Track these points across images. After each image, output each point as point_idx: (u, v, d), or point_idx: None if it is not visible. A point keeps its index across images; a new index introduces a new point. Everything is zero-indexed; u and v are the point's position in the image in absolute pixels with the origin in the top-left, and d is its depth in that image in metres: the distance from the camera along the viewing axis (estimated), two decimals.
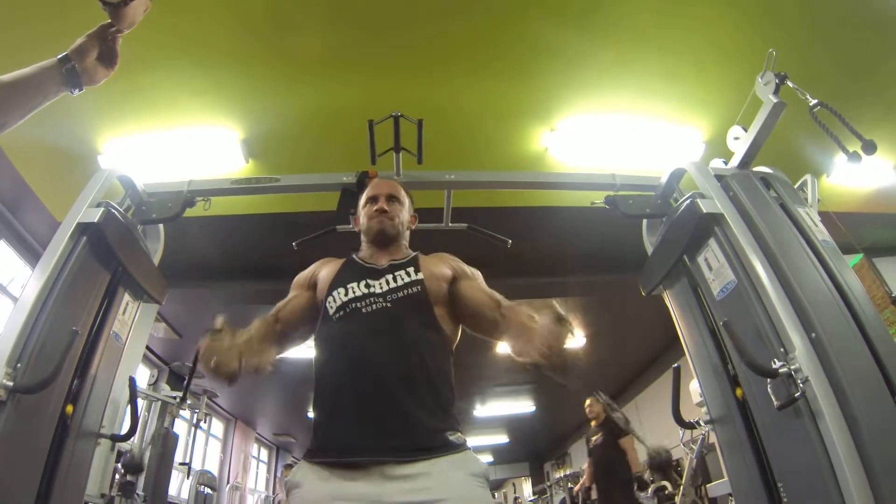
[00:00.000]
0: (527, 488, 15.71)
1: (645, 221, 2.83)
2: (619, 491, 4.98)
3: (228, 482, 9.42)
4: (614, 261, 4.08)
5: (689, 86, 3.15)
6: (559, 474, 11.77)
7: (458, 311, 1.55)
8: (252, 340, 1.39)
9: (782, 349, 1.81)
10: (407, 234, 1.75)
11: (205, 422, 8.69)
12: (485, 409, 9.45)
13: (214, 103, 3.22)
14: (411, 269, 1.52)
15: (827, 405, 1.64)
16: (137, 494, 4.67)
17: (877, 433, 1.57)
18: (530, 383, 8.28)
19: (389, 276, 1.50)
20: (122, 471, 3.89)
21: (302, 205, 3.71)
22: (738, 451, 2.04)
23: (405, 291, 1.46)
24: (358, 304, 1.43)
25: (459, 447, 1.29)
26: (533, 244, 4.08)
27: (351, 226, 2.74)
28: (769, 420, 1.86)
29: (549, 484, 10.68)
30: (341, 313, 1.44)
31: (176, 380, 7.56)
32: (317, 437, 1.35)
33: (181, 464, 5.58)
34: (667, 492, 4.41)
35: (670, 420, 2.44)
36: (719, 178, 2.38)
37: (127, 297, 2.57)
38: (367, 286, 1.47)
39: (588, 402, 5.36)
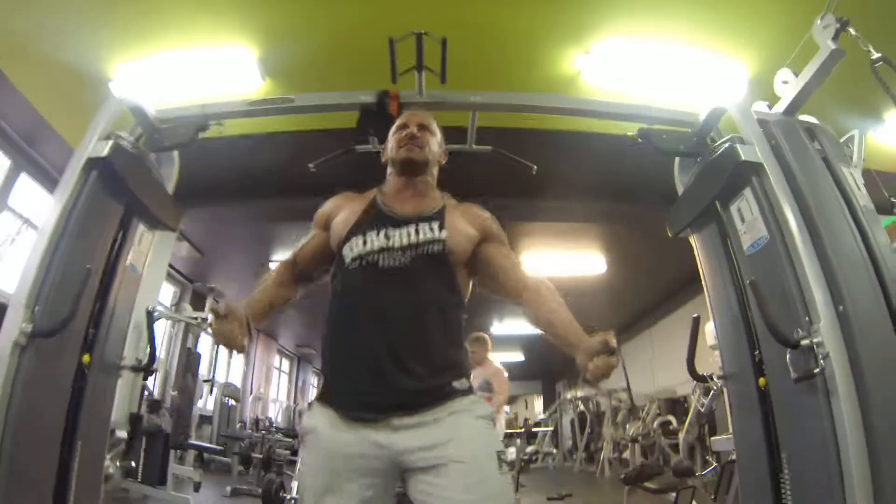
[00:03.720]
0: (538, 404, 16.42)
1: (677, 160, 2.64)
2: None
3: (251, 393, 9.96)
4: (642, 192, 3.92)
5: (740, 16, 2.86)
6: (570, 394, 12.20)
7: (479, 272, 1.51)
8: (261, 297, 1.52)
9: (807, 318, 1.72)
10: (435, 170, 1.65)
11: None
12: (502, 326, 9.61)
13: (228, 21, 3.04)
14: (435, 225, 1.43)
15: (843, 386, 1.58)
16: (165, 408, 4.96)
17: (889, 422, 1.54)
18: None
19: (411, 229, 1.41)
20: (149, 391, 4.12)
21: (321, 123, 3.56)
22: (746, 413, 2.02)
23: (425, 249, 1.39)
24: (375, 258, 1.38)
25: (464, 392, 1.32)
26: (559, 167, 3.92)
27: (371, 146, 2.66)
28: (783, 388, 1.81)
29: (559, 403, 11.06)
30: (357, 264, 1.40)
31: (198, 297, 7.83)
32: (328, 384, 1.39)
33: (205, 380, 5.86)
34: (671, 427, 4.53)
35: (683, 355, 2.37)
36: (762, 123, 2.17)
37: (141, 228, 2.56)
38: (387, 237, 1.40)
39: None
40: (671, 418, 4.69)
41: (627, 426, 6.27)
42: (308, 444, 1.32)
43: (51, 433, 1.97)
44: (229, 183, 4.60)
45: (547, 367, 13.68)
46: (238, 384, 9.01)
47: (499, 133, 3.02)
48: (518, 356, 12.11)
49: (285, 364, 13.50)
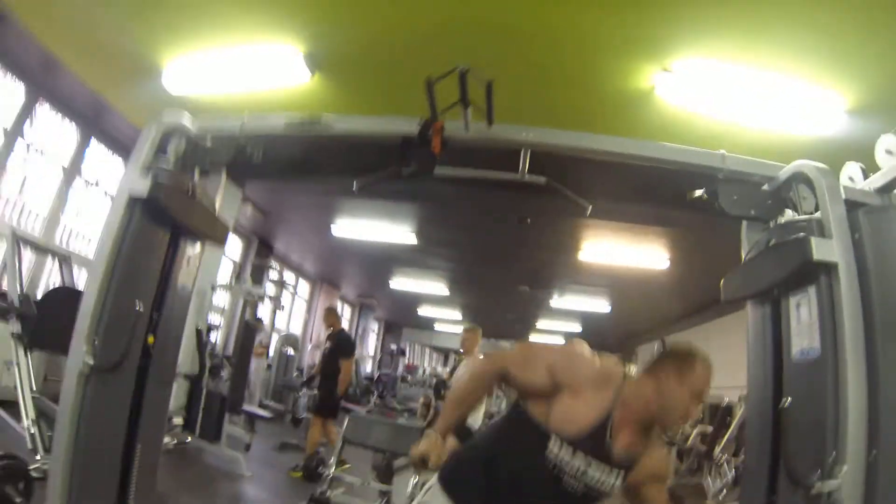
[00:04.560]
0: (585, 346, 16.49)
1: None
2: None
3: (312, 341, 10.48)
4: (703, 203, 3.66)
5: (843, 42, 2.45)
6: (627, 368, 11.96)
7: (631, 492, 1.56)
8: (462, 412, 1.63)
9: (834, 455, 1.58)
10: None
11: (292, 287, 9.52)
12: (562, 300, 9.51)
13: (275, 18, 3.01)
14: (622, 476, 1.47)
15: None
16: (222, 374, 5.35)
17: None
18: (608, 286, 8.14)
19: (607, 471, 1.45)
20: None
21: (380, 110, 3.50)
22: None
23: (601, 489, 1.46)
24: (566, 471, 1.44)
25: None
26: (620, 177, 3.71)
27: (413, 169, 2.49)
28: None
29: None
30: (551, 460, 1.44)
31: (264, 250, 8.24)
32: (465, 483, 1.55)
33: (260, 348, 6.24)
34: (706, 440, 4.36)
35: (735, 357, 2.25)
36: (850, 204, 1.89)
37: (188, 251, 2.65)
38: (588, 464, 1.44)
39: None
40: (708, 429, 4.53)
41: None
42: None
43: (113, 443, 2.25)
44: (295, 156, 4.71)
45: (604, 339, 13.52)
46: (299, 332, 9.54)
47: (554, 160, 2.83)
48: (576, 327, 12.10)
49: (347, 311, 14.08)
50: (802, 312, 1.88)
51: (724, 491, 3.41)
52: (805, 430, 1.73)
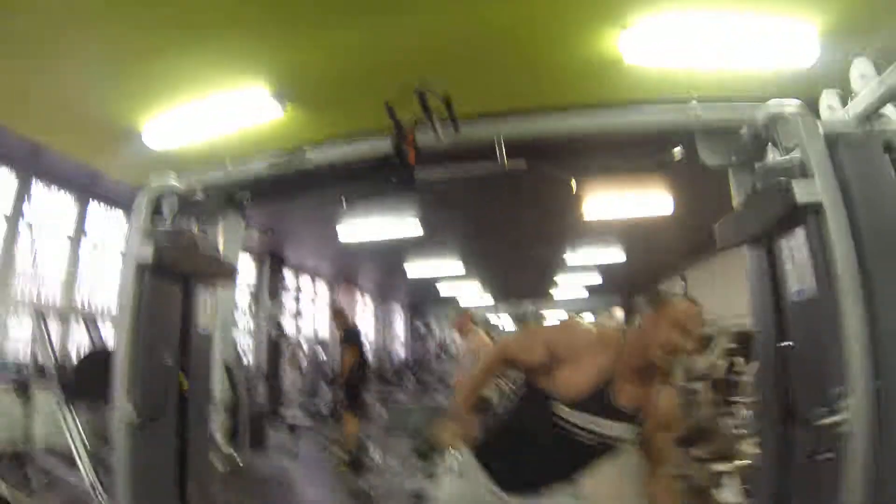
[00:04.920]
0: (619, 314, 16.60)
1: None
2: None
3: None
4: None
5: None
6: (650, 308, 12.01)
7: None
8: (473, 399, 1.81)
9: (838, 389, 1.63)
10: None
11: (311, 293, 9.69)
12: (576, 256, 9.53)
13: (238, 66, 3.02)
14: (632, 427, 1.59)
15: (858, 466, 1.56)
16: (260, 392, 5.55)
17: None
18: (620, 237, 8.16)
19: (612, 425, 1.58)
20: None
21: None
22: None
23: (613, 442, 1.61)
24: (573, 430, 1.58)
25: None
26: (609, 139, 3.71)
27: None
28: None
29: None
30: (557, 422, 1.58)
31: (277, 263, 8.42)
32: (488, 452, 1.71)
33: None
34: (736, 369, 4.41)
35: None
36: (829, 138, 1.88)
37: (203, 296, 2.79)
38: (594, 422, 1.57)
39: None
40: (737, 361, 4.57)
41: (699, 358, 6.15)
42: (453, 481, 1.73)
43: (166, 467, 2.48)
44: (285, 183, 4.78)
45: (625, 283, 13.58)
46: (325, 332, 9.76)
47: (534, 144, 2.84)
48: (596, 278, 12.18)
49: (369, 301, 14.29)
50: (796, 254, 1.91)
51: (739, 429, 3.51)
52: (810, 366, 1.79)
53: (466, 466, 1.71)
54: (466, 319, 4.57)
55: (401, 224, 6.65)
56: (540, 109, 3.34)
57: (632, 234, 7.74)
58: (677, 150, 2.33)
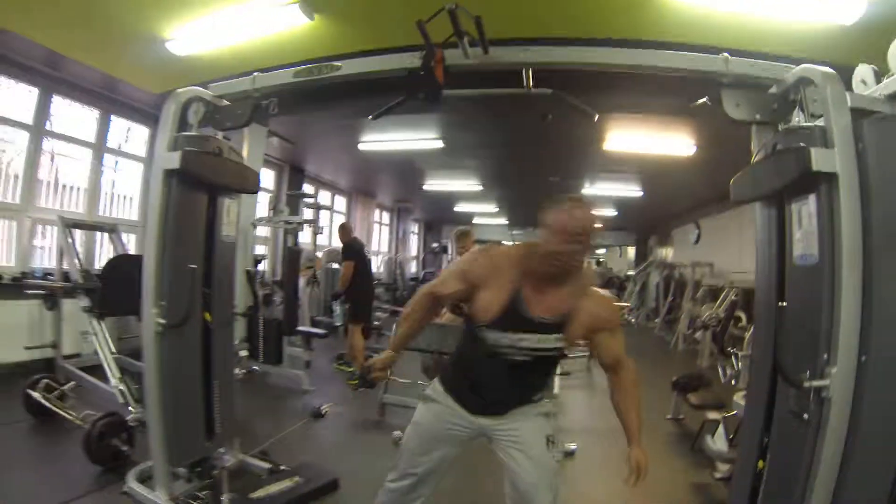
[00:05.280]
0: (631, 253, 16.64)
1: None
2: None
3: None
4: None
5: None
6: (662, 251, 12.06)
7: (590, 341, 1.85)
8: (408, 333, 1.99)
9: (826, 356, 1.72)
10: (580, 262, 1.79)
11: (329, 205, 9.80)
12: (593, 188, 9.50)
13: None
14: (559, 336, 1.75)
15: (833, 433, 1.67)
16: (274, 300, 5.80)
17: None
18: (639, 173, 8.08)
19: (539, 336, 1.75)
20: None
21: (391, 41, 3.44)
22: (753, 403, 2.16)
23: (545, 353, 1.78)
24: (504, 350, 1.77)
25: (537, 400, 1.91)
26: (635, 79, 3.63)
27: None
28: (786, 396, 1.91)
29: (648, 264, 11.06)
30: (489, 347, 1.78)
31: (296, 175, 8.44)
32: (451, 381, 1.93)
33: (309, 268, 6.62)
34: (741, 324, 4.53)
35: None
36: (855, 113, 1.84)
37: (227, 202, 2.87)
38: (520, 339, 1.75)
39: None
40: (741, 315, 4.67)
41: (703, 307, 6.25)
42: (429, 406, 1.93)
43: (193, 369, 2.68)
44: (310, 94, 4.76)
45: (640, 222, 13.53)
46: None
47: (561, 73, 2.81)
48: (611, 211, 12.09)
49: (385, 217, 14.43)
50: (804, 219, 1.93)
51: (734, 381, 3.66)
52: (801, 331, 1.85)
53: (438, 394, 1.92)
54: (468, 239, 4.63)
55: (421, 139, 6.69)
56: (570, 39, 3.28)
57: (651, 172, 7.67)
58: (703, 99, 2.28)
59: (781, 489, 1.89)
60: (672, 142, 5.75)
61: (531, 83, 2.75)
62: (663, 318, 9.68)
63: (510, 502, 1.86)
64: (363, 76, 2.75)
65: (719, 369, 3.85)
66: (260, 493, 2.77)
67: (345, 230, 5.67)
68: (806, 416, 1.75)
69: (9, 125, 4.99)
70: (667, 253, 12.67)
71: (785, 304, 1.92)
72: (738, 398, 2.71)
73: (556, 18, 3.15)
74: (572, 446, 3.69)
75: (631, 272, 13.49)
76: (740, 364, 3.48)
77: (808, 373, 1.74)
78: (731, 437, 2.82)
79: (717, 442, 2.99)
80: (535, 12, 3.10)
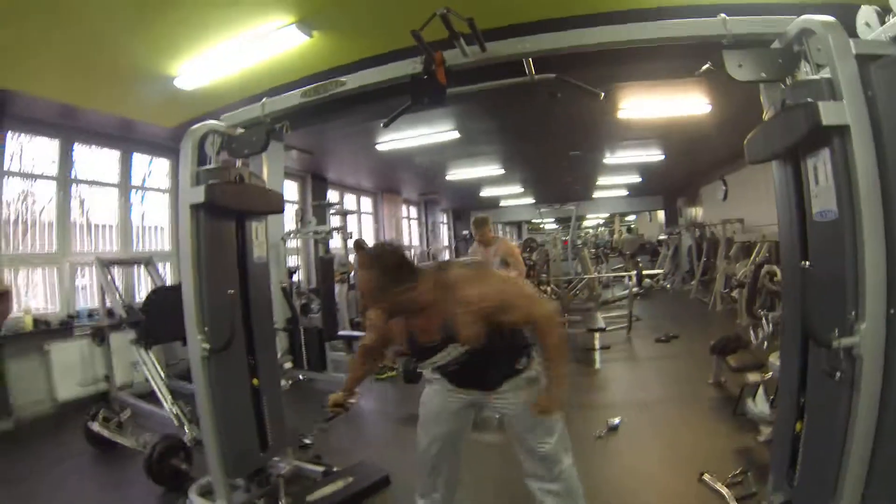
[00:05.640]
0: (661, 217, 16.33)
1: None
2: None
3: None
4: None
5: None
6: (691, 210, 11.80)
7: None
8: (354, 378, 2.33)
9: (854, 314, 1.69)
10: (400, 289, 1.88)
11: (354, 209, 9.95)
12: (615, 157, 9.38)
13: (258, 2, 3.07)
14: (455, 344, 1.91)
15: (868, 388, 1.65)
16: (312, 308, 5.94)
17: None
18: (658, 137, 7.94)
19: (442, 353, 1.95)
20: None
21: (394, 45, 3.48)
22: (788, 366, 2.15)
23: (463, 357, 1.95)
24: (440, 366, 2.03)
25: (521, 370, 2.06)
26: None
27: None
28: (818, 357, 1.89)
29: (678, 227, 10.87)
30: (437, 370, 2.09)
31: (319, 183, 8.59)
32: (447, 374, 2.12)
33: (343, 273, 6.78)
34: (776, 278, 4.40)
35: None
36: (861, 60, 1.80)
37: (255, 225, 2.98)
38: (437, 359, 1.98)
39: None
40: (776, 269, 4.55)
41: (738, 265, 6.10)
42: (430, 389, 2.22)
43: (241, 386, 2.82)
44: (321, 108, 4.88)
45: (666, 185, 13.26)
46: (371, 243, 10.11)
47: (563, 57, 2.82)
48: (635, 178, 11.92)
49: (413, 211, 14.56)
50: (820, 174, 1.90)
51: (766, 343, 3.60)
52: (828, 288, 1.82)
53: (437, 379, 2.18)
54: (486, 226, 4.65)
55: (437, 132, 6.77)
56: (566, 19, 3.24)
57: (670, 134, 7.53)
58: (706, 65, 2.26)
59: (820, 450, 1.89)
60: (686, 102, 5.65)
61: (533, 70, 2.76)
62: (699, 280, 9.52)
63: (521, 455, 2.12)
64: (370, 86, 2.82)
65: (751, 331, 3.78)
66: (315, 495, 2.90)
67: (358, 248, 5.76)
68: (838, 375, 1.73)
69: (36, 178, 5.28)
70: (696, 212, 12.45)
71: (808, 262, 1.90)
72: (774, 359, 2.68)
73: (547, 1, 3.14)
74: (616, 420, 3.71)
75: (662, 237, 13.29)
76: (770, 325, 3.41)
77: (836, 331, 1.72)
78: (771, 398, 2.79)
79: (759, 404, 2.96)
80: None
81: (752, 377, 3.09)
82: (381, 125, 3.01)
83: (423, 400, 2.25)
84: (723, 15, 2.18)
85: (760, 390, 2.97)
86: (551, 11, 3.23)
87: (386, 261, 1.83)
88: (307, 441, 3.68)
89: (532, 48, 2.48)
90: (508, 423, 2.13)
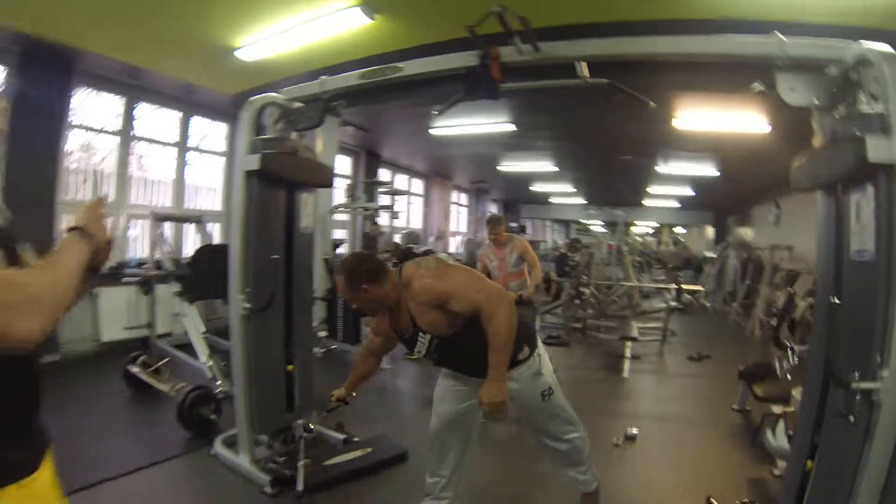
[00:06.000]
0: (710, 233, 15.85)
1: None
2: None
3: (433, 234, 11.22)
4: None
5: None
6: (741, 231, 11.36)
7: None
8: (354, 378, 2.54)
9: (879, 358, 1.66)
10: (382, 293, 2.12)
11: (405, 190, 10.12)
12: (668, 167, 9.18)
13: None
14: (422, 334, 2.13)
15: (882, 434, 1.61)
16: None
17: None
18: (713, 151, 7.73)
19: (419, 342, 2.16)
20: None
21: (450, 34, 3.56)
22: (810, 397, 2.09)
23: (434, 343, 2.15)
24: (426, 356, 2.21)
25: (522, 360, 2.23)
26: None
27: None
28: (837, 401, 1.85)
29: (725, 245, 10.55)
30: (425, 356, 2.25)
31: (372, 160, 8.75)
32: (436, 362, 2.32)
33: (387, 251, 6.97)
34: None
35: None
36: None
37: (304, 196, 3.13)
38: (419, 351, 2.19)
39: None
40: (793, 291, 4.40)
41: (779, 293, 5.87)
42: (438, 383, 2.42)
43: (275, 348, 3.00)
44: (378, 89, 5.02)
45: (718, 201, 12.84)
46: (419, 226, 10.21)
47: (616, 64, 2.83)
48: (687, 191, 11.60)
49: (463, 199, 14.65)
50: (862, 211, 1.85)
51: (789, 375, 3.50)
52: (855, 329, 1.79)
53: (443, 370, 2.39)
54: (500, 225, 4.67)
55: (493, 122, 6.77)
56: (620, 24, 3.24)
57: (726, 150, 7.33)
58: (756, 84, 2.22)
59: (827, 493, 1.86)
60: (743, 119, 5.49)
61: (587, 74, 2.78)
62: (740, 303, 9.23)
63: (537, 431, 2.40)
64: (426, 75, 2.90)
65: (776, 362, 3.68)
66: (334, 460, 3.05)
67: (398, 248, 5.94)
68: (851, 418, 1.71)
69: (99, 132, 5.65)
70: (745, 233, 12.02)
71: (838, 300, 1.86)
72: (797, 393, 2.63)
73: (601, 2, 3.15)
74: (634, 431, 3.72)
75: (709, 253, 12.92)
76: (795, 358, 3.32)
77: (857, 373, 1.69)
78: (790, 432, 2.74)
79: (778, 437, 2.90)
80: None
81: (776, 409, 3.03)
82: (435, 113, 3.10)
83: (439, 380, 2.44)
84: (778, 34, 2.12)
85: (781, 423, 2.90)
86: (604, 15, 3.23)
87: (357, 268, 2.08)
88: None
89: (586, 52, 2.50)
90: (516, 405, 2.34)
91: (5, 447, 0.98)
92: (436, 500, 2.38)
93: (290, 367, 3.06)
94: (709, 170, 8.81)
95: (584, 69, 2.69)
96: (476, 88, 2.66)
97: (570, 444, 2.41)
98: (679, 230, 21.85)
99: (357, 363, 2.56)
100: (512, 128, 6.88)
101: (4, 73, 4.55)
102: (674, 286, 7.51)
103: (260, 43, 3.88)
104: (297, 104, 2.97)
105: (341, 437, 3.37)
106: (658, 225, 21.78)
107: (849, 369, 1.73)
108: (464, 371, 2.29)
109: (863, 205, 1.87)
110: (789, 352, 3.42)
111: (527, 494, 2.95)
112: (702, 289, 9.43)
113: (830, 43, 2.03)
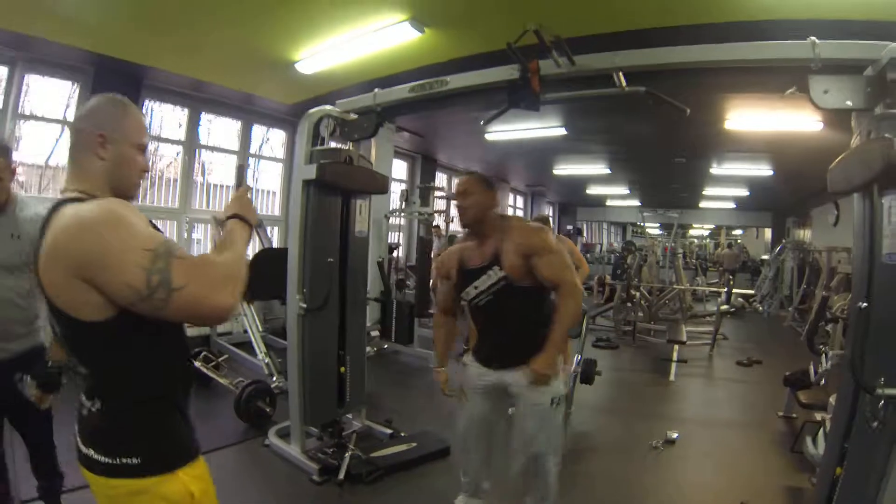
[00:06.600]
0: (768, 235, 15.21)
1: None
2: None
3: None
4: None
5: None
6: (800, 231, 10.87)
7: (532, 270, 2.17)
8: (443, 350, 2.56)
9: None
10: (490, 213, 2.26)
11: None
12: (721, 168, 8.96)
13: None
14: (497, 269, 2.17)
15: None
16: (408, 284, 6.33)
17: None
18: (767, 151, 7.51)
19: (485, 277, 2.20)
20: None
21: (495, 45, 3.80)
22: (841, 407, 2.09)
23: (498, 286, 2.19)
24: (475, 300, 2.26)
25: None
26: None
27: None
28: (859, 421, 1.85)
29: (782, 247, 10.13)
30: (470, 305, 2.32)
31: (428, 164, 9.20)
32: (475, 350, 2.41)
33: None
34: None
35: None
36: None
37: (359, 203, 3.33)
38: (475, 287, 2.24)
39: None
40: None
41: (836, 297, 5.60)
42: (466, 373, 2.40)
43: (329, 346, 3.18)
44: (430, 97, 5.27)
45: (776, 201, 12.31)
46: None
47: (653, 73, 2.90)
48: (742, 191, 11.26)
49: (519, 201, 14.77)
50: (893, 213, 1.87)
51: (823, 380, 3.39)
52: (883, 334, 1.78)
53: (470, 360, 2.42)
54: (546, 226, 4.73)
55: (545, 126, 6.92)
56: (657, 29, 3.30)
57: (780, 149, 7.12)
58: (791, 89, 2.24)
59: (853, 501, 1.86)
60: (795, 119, 5.37)
61: (624, 83, 2.86)
62: (795, 308, 8.89)
63: (516, 449, 2.28)
64: (471, 88, 3.06)
65: (811, 367, 3.59)
66: (380, 452, 3.19)
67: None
68: (875, 424, 1.70)
69: (166, 141, 6.07)
70: (804, 235, 11.52)
71: (866, 304, 1.85)
72: (833, 399, 2.60)
73: (642, 10, 3.22)
74: (675, 434, 3.72)
75: (765, 256, 12.42)
76: (829, 363, 3.22)
77: (882, 379, 1.67)
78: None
79: (818, 445, 2.85)
80: (623, 6, 3.20)
81: (819, 415, 2.96)
82: (481, 123, 3.26)
83: (465, 376, 2.45)
84: (813, 38, 2.13)
85: (821, 431, 2.85)
86: (638, 22, 3.30)
87: (488, 177, 2.32)
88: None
89: (621, 63, 2.59)
90: (517, 421, 2.30)
91: (182, 427, 1.14)
92: (469, 497, 2.47)
93: (342, 369, 3.24)
94: (763, 169, 8.55)
95: (620, 78, 2.80)
96: (518, 100, 2.82)
97: (544, 467, 2.24)
98: (737, 232, 21.08)
99: (435, 335, 2.59)
100: (563, 132, 6.96)
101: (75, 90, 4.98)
102: (724, 289, 7.35)
103: (317, 56, 4.14)
104: (352, 115, 3.17)
105: (388, 431, 3.51)
106: (714, 227, 21.09)
107: (874, 374, 1.71)
108: (496, 348, 2.29)
109: (895, 208, 1.89)
110: (823, 357, 3.34)
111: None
112: (752, 292, 9.12)
113: (866, 44, 2.03)
